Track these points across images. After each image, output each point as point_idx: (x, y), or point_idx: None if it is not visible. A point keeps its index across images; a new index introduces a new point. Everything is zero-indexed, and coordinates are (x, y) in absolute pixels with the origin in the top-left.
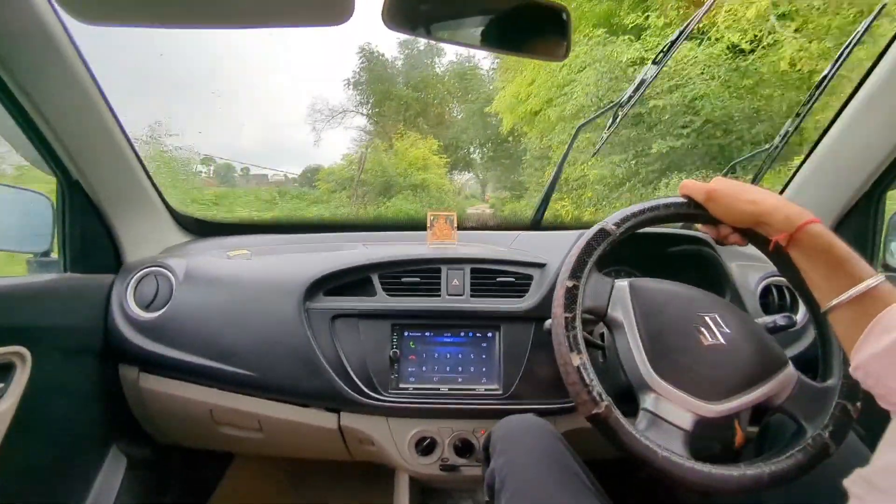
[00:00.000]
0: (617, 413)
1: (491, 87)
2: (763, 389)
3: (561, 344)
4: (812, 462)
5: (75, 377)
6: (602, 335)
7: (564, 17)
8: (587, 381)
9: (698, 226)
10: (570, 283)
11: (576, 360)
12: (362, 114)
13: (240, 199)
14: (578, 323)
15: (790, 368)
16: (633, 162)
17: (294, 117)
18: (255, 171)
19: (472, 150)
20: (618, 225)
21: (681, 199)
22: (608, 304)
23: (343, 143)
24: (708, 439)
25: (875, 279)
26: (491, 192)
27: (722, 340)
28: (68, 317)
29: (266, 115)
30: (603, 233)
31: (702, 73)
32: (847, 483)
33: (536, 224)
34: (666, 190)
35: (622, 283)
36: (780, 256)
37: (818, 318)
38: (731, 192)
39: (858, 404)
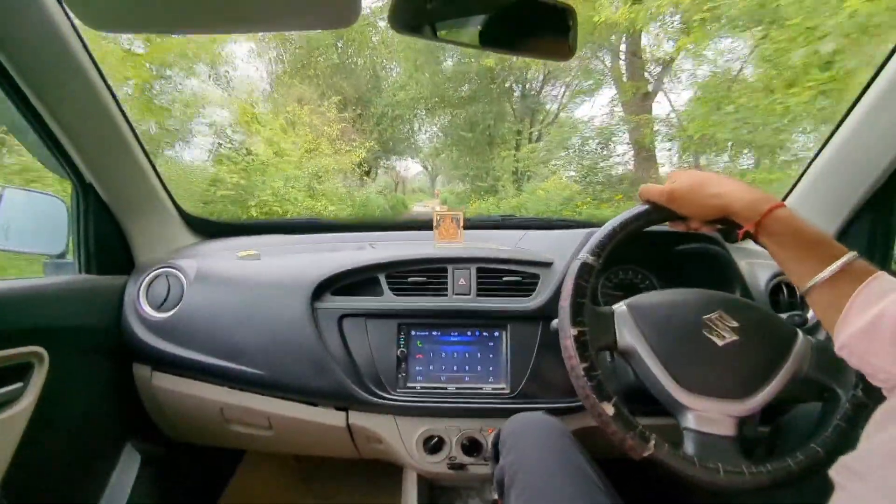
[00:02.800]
0: (667, 447)
1: None
2: (787, 367)
3: (588, 396)
4: (855, 424)
5: (91, 376)
6: None
7: (570, 16)
8: (630, 424)
9: (667, 224)
10: (575, 332)
11: (609, 410)
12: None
13: None
14: (598, 370)
15: (801, 336)
16: None
17: None
18: None
19: (416, 124)
20: (597, 254)
21: (645, 207)
22: (615, 335)
23: None
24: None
25: (847, 257)
26: (442, 186)
27: (734, 336)
28: (84, 317)
29: None
30: (586, 267)
31: None
32: (832, 472)
33: None
34: None
35: (621, 309)
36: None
37: None
38: (691, 188)
39: None
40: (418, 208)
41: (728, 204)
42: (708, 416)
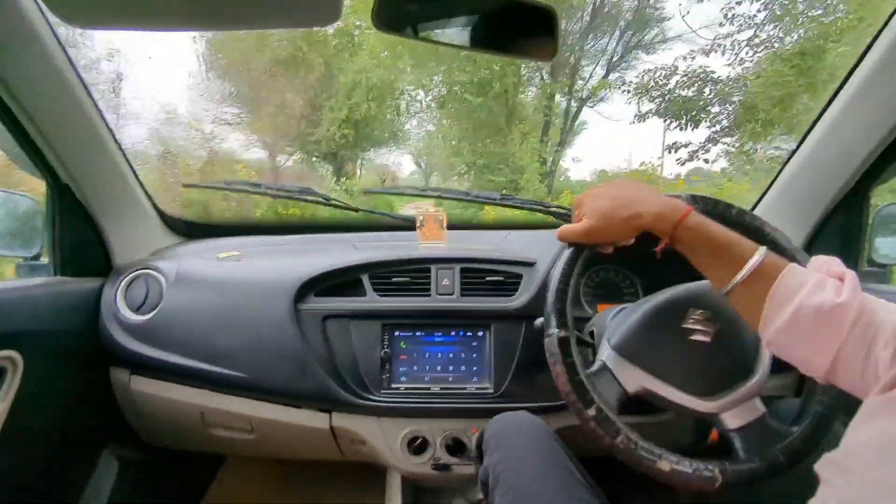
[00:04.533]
0: (728, 466)
1: None
2: None
3: (641, 464)
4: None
5: (66, 381)
6: (592, 333)
7: (551, 17)
8: (690, 469)
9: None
10: (592, 412)
11: (666, 466)
12: None
13: None
14: (633, 435)
15: None
16: None
17: None
18: None
19: (401, 97)
20: (563, 323)
21: (570, 250)
22: (622, 386)
23: None
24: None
25: (757, 256)
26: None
27: (715, 326)
28: (59, 320)
29: None
30: (563, 341)
31: None
32: (817, 467)
33: None
34: None
35: (611, 356)
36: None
37: None
38: (605, 217)
39: None
40: (408, 210)
41: (642, 223)
42: (738, 409)
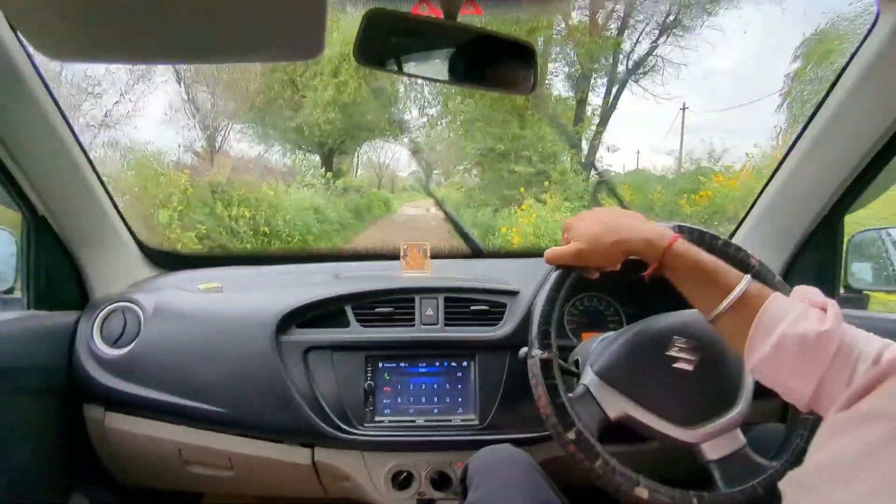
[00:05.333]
0: (707, 496)
1: None
2: None
3: (619, 490)
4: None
5: (37, 419)
6: (577, 362)
7: (529, 53)
8: (669, 496)
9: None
10: (572, 436)
11: (644, 493)
12: None
13: None
14: (611, 461)
15: None
16: None
17: None
18: None
19: (403, 92)
20: (547, 345)
21: (558, 272)
22: (603, 410)
23: None
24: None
25: (742, 284)
26: (438, 185)
27: (698, 355)
28: (31, 356)
29: None
30: (545, 363)
31: None
32: (782, 485)
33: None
34: None
35: (594, 381)
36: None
37: None
38: (594, 240)
39: None
40: (409, 210)
41: (630, 248)
42: (718, 440)
